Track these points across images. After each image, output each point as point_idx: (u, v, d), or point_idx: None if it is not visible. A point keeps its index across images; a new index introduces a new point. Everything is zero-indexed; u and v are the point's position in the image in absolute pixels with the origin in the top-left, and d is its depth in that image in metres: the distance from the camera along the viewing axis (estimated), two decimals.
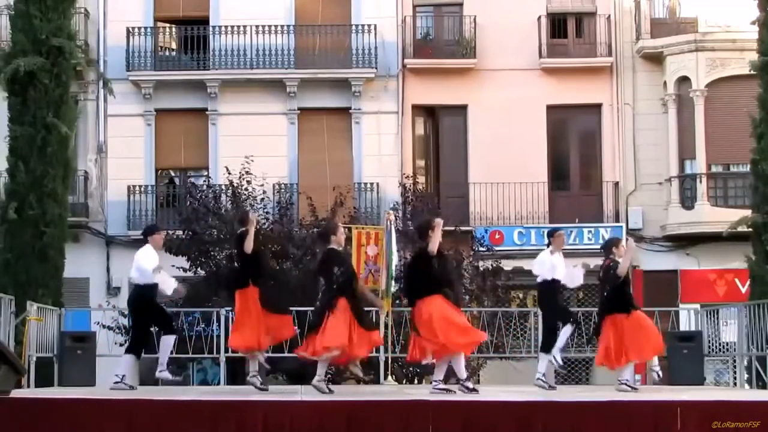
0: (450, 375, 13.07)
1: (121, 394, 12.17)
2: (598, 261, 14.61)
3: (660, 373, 14.51)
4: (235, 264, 13.77)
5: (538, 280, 14.20)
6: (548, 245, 14.34)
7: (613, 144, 26.89)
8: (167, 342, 13.63)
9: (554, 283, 14.08)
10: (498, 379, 20.61)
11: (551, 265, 14.05)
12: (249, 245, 12.67)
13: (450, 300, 12.58)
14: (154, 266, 13.42)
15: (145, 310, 13.65)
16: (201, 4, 27.20)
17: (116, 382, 13.48)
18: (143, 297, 13.58)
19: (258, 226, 13.50)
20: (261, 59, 26.63)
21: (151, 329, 14.11)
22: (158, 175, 27.17)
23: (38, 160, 19.90)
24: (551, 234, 14.55)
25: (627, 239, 14.80)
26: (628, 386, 13.56)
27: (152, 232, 13.99)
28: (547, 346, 14.09)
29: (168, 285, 13.61)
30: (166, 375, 13.65)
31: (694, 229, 25.69)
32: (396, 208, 22.24)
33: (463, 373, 12.35)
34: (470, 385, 12.41)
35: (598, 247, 21.08)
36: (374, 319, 14.31)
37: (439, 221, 12.84)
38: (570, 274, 14.21)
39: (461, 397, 11.46)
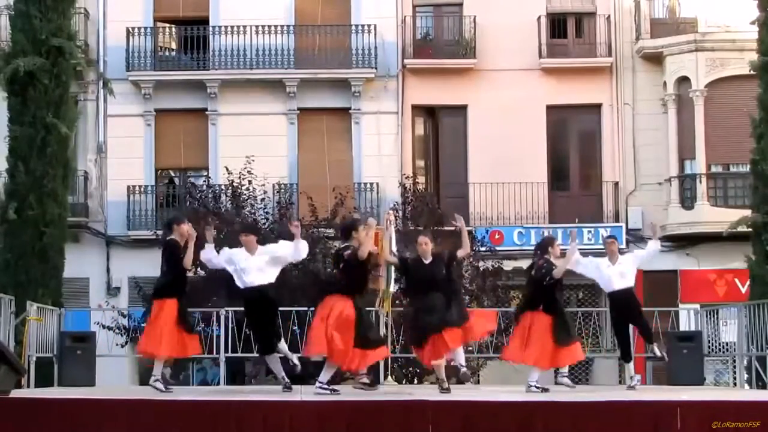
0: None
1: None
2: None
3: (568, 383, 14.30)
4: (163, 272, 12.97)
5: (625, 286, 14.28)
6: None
7: (613, 144, 26.89)
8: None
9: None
10: (498, 379, 20.58)
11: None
12: (189, 261, 12.60)
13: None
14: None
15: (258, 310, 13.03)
16: (201, 4, 27.20)
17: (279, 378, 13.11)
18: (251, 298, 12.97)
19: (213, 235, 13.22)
20: (261, 59, 26.64)
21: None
22: (158, 175, 27.18)
23: (38, 161, 19.89)
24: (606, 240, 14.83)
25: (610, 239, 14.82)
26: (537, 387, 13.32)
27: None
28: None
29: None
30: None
31: (694, 229, 25.69)
32: (396, 209, 22.23)
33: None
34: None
35: (599, 247, 21.15)
36: (374, 320, 14.30)
37: (372, 221, 12.82)
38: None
39: (461, 397, 11.45)
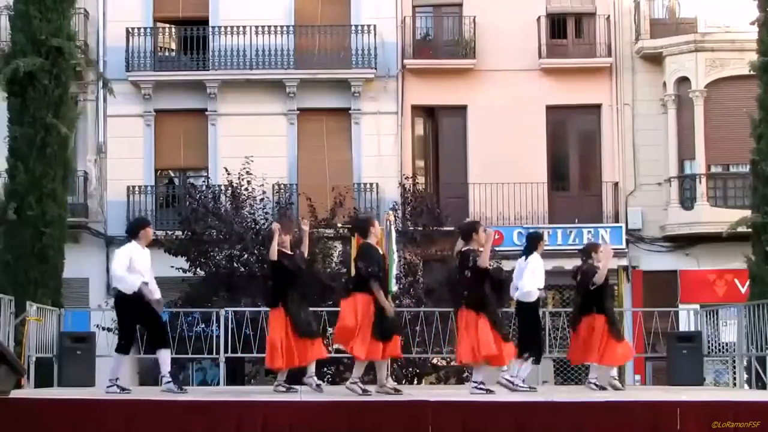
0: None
1: (120, 395, 12.16)
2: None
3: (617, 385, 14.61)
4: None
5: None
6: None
7: (613, 144, 26.89)
8: (164, 356, 12.79)
9: None
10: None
11: None
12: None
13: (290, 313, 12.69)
14: (141, 278, 12.59)
15: (134, 314, 12.80)
16: (200, 4, 27.19)
17: (109, 386, 12.81)
18: (130, 303, 12.72)
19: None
20: (260, 60, 26.63)
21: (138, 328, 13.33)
22: (158, 175, 27.16)
23: (38, 161, 19.89)
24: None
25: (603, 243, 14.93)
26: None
27: (143, 226, 13.07)
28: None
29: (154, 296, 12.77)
30: (171, 386, 12.78)
31: (694, 230, 25.68)
32: (396, 209, 22.25)
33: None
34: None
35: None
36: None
37: (275, 226, 12.97)
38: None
39: (461, 397, 11.45)
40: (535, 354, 13.67)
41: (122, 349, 12.94)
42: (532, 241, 14.05)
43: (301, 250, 13.34)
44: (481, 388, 12.29)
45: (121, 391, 12.63)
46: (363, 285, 12.01)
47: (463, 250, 12.55)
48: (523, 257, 13.95)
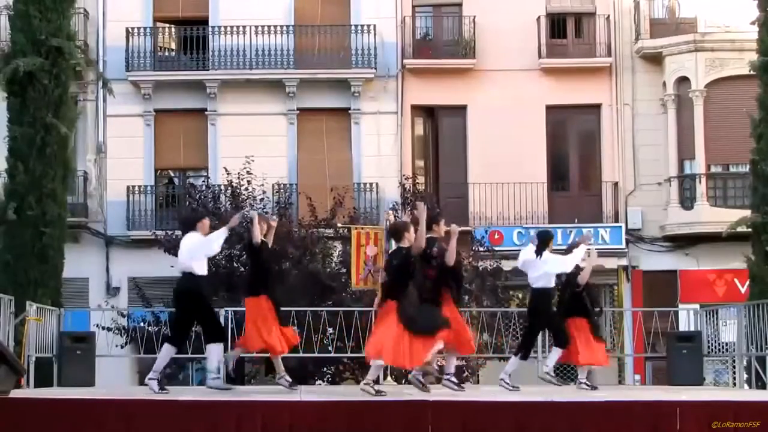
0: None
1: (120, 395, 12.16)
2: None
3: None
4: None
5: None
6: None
7: (613, 144, 26.90)
8: (215, 351, 12.89)
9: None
10: (497, 380, 20.56)
11: None
12: None
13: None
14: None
15: (192, 307, 12.94)
16: (200, 4, 27.19)
17: (151, 378, 12.84)
18: (189, 296, 12.90)
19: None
20: (260, 59, 26.63)
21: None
22: (158, 175, 27.17)
23: (37, 161, 19.89)
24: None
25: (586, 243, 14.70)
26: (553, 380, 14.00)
27: (198, 219, 13.45)
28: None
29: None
30: (218, 383, 12.90)
31: (694, 230, 25.69)
32: (395, 209, 22.23)
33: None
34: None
35: (599, 247, 21.11)
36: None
37: (254, 214, 13.17)
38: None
39: (461, 397, 11.45)
40: (524, 351, 13.86)
41: (174, 342, 12.97)
42: (544, 240, 13.94)
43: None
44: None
45: (159, 390, 12.54)
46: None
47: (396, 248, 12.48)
48: (538, 257, 13.76)
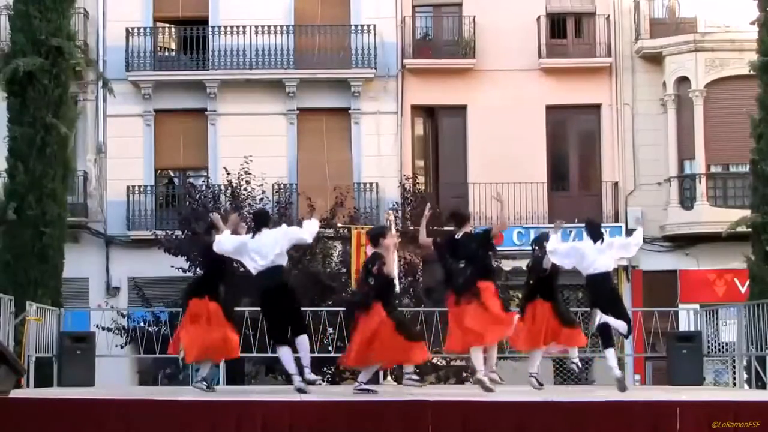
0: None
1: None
2: None
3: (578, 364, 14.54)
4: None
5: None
6: None
7: (613, 144, 26.90)
8: (303, 344, 12.66)
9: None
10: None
11: None
12: None
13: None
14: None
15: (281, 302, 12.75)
16: (200, 4, 27.19)
17: (294, 375, 12.60)
18: (275, 293, 12.79)
19: None
20: (260, 59, 26.63)
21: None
22: (157, 175, 27.16)
23: (37, 161, 19.89)
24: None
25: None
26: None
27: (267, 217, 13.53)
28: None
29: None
30: (312, 377, 12.61)
31: (694, 230, 25.69)
32: (395, 209, 22.24)
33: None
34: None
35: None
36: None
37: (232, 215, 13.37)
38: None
39: (461, 397, 11.45)
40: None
41: (281, 340, 12.68)
42: (597, 228, 13.73)
43: None
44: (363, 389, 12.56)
45: (305, 385, 12.29)
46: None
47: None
48: (599, 242, 13.33)
